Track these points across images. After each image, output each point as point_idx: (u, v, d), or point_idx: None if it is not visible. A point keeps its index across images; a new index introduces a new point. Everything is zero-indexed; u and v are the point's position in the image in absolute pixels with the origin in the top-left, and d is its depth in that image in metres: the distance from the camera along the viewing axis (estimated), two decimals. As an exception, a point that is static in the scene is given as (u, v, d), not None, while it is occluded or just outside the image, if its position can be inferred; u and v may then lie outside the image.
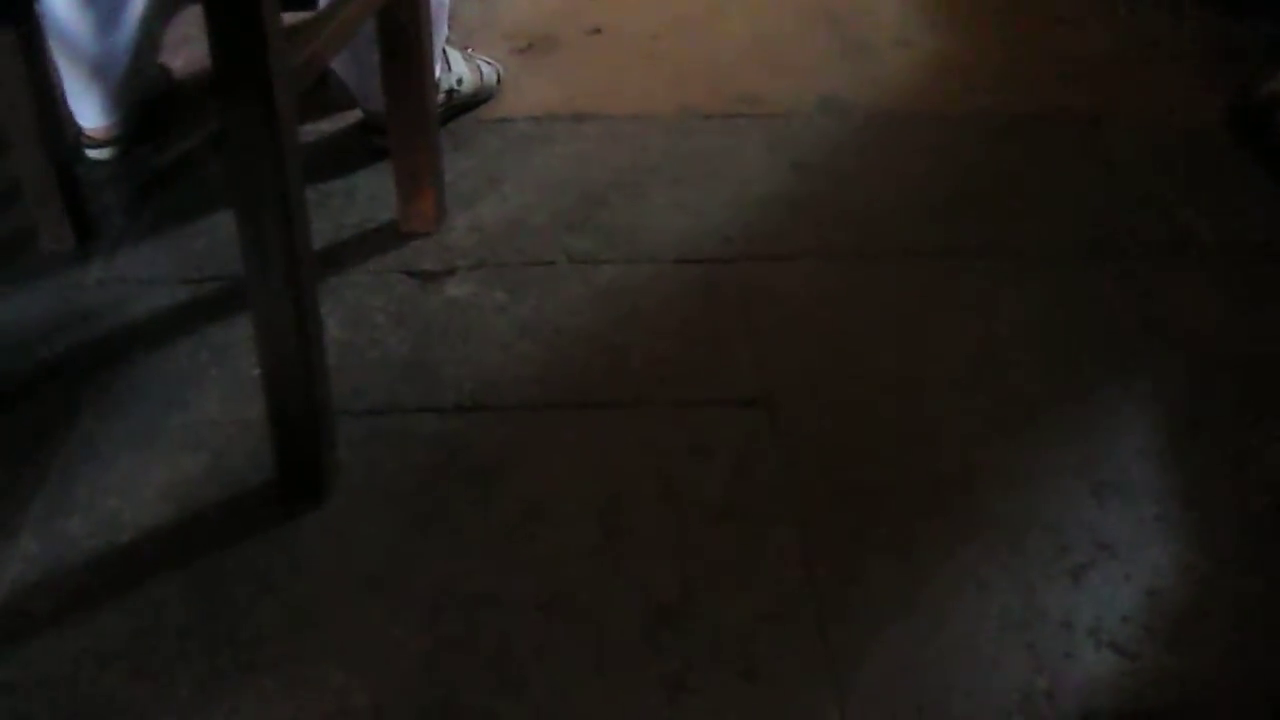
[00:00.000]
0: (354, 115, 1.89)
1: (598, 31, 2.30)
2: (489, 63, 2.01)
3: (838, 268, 1.57)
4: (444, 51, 1.86)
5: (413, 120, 1.56)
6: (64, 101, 1.75)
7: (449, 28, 1.90)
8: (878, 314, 1.49)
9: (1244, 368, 1.44)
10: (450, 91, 1.88)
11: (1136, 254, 1.64)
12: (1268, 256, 1.66)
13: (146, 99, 1.91)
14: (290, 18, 1.13)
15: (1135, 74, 2.20)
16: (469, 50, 2.01)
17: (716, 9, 2.43)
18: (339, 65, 1.75)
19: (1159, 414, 1.38)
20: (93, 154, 1.86)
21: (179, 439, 1.32)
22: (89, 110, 1.83)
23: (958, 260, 1.60)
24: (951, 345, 1.45)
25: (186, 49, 2.17)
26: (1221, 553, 1.21)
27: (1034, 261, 1.61)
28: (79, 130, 1.83)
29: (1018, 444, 1.32)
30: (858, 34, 2.31)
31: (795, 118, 1.95)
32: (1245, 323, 1.52)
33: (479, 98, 1.96)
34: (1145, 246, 1.66)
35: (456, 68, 1.90)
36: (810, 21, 2.38)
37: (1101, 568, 1.18)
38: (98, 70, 1.81)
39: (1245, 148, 1.94)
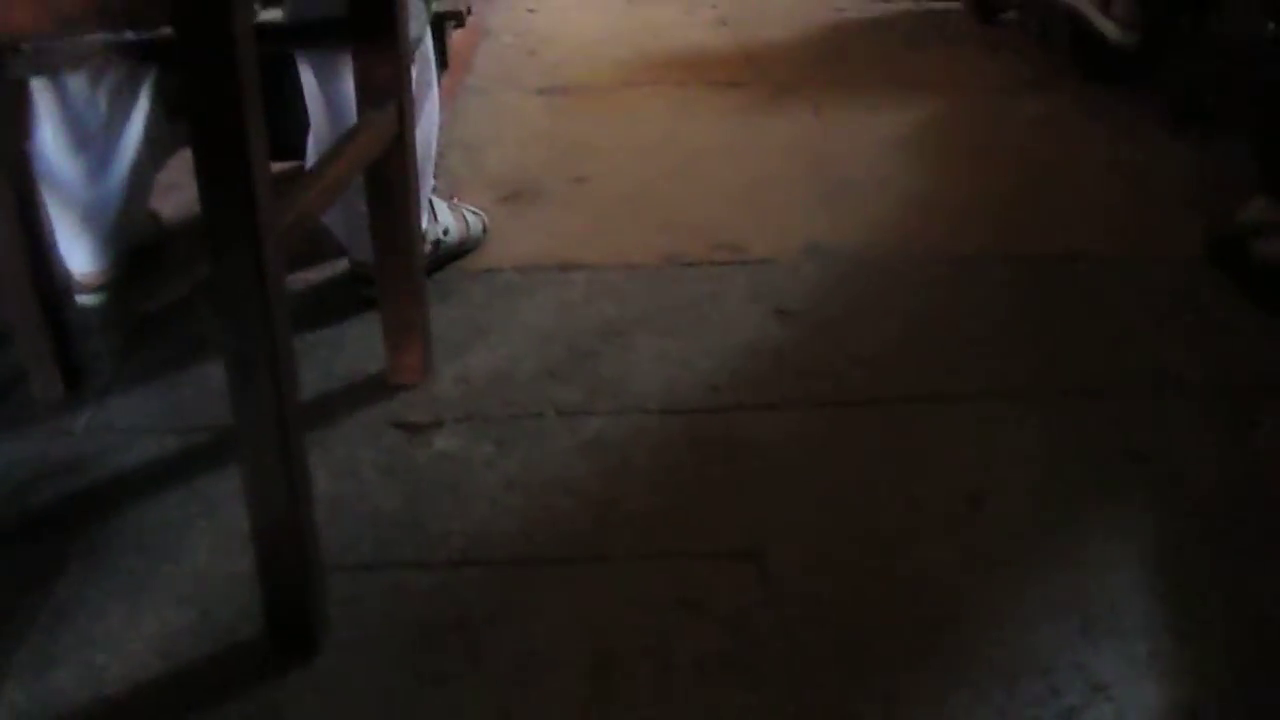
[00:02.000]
0: (342, 264, 1.92)
1: (583, 180, 2.34)
2: (475, 212, 2.04)
3: (823, 415, 1.58)
4: (430, 202, 1.88)
5: (400, 272, 1.59)
6: (55, 246, 1.76)
7: (435, 177, 1.93)
8: (863, 460, 1.50)
9: (1231, 500, 1.44)
10: (437, 242, 1.91)
11: (1121, 389, 1.66)
12: (1251, 387, 1.68)
13: (137, 245, 1.94)
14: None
15: (1114, 206, 2.27)
16: (455, 200, 2.04)
17: (701, 157, 2.48)
18: (327, 215, 1.77)
19: (1148, 548, 1.38)
20: (83, 299, 1.88)
21: (168, 591, 1.31)
22: (80, 256, 1.87)
23: (943, 404, 1.61)
24: (938, 488, 1.45)
25: (176, 194, 2.21)
26: (1217, 690, 1.20)
27: (1019, 402, 1.62)
28: (69, 275, 1.84)
29: (1007, 583, 1.32)
30: (841, 177, 2.37)
31: (779, 264, 1.99)
32: (1231, 455, 1.53)
33: (465, 247, 1.99)
34: (1130, 381, 1.68)
35: (443, 218, 1.93)
36: (794, 166, 2.44)
37: (1095, 710, 1.17)
38: (89, 217, 1.85)
39: (1226, 276, 1.96)
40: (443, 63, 2.75)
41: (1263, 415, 1.61)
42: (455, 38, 3.26)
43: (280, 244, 1.09)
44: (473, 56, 3.35)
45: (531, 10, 4.19)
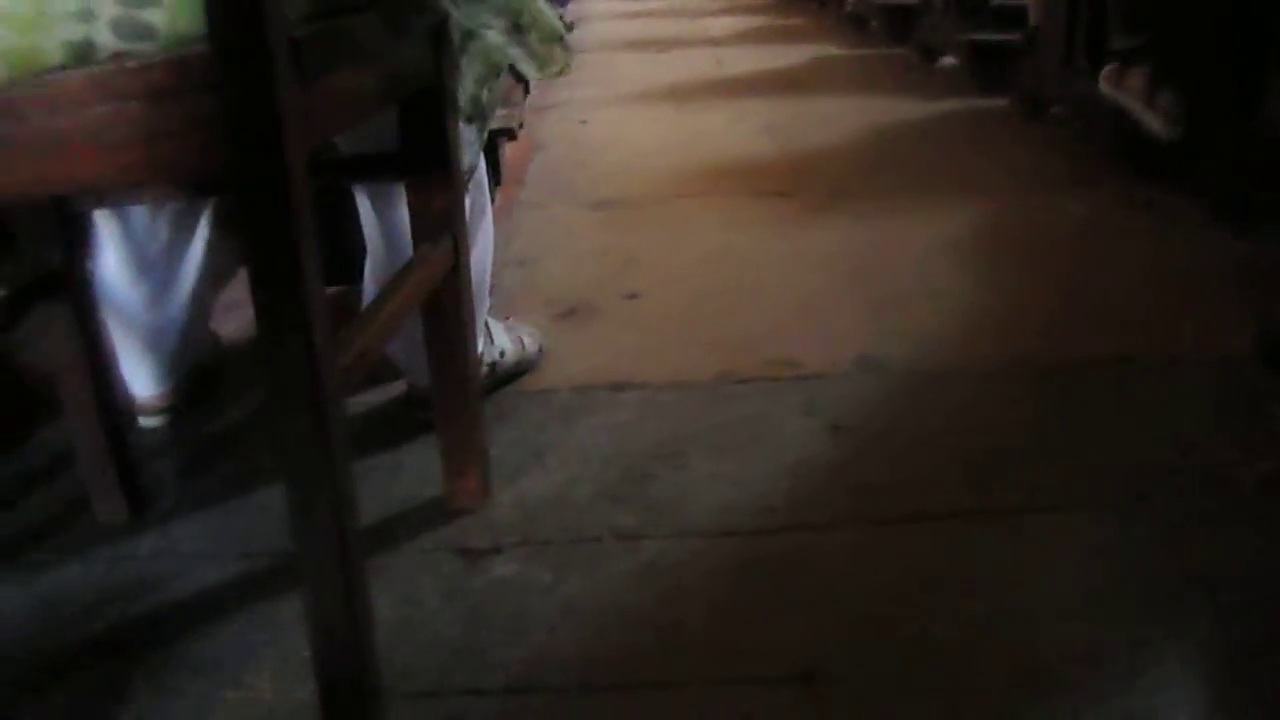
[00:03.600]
0: (400, 387, 1.95)
1: (635, 296, 2.38)
2: (531, 334, 2.07)
3: (877, 534, 1.58)
4: (486, 324, 1.92)
5: (457, 397, 1.61)
6: (118, 370, 1.80)
7: (490, 298, 1.97)
8: (918, 580, 1.49)
9: None
10: (493, 364, 1.94)
11: (1172, 498, 1.64)
12: None
13: (198, 367, 1.99)
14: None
15: (1162, 306, 2.27)
16: (510, 320, 2.07)
17: (750, 270, 2.53)
18: (367, 306, 1.81)
19: (1204, 667, 1.37)
20: (145, 422, 1.93)
21: (231, 717, 1.33)
22: (143, 379, 1.91)
23: (996, 519, 1.60)
24: (992, 606, 1.44)
25: (235, 312, 2.26)
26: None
27: (1070, 515, 1.61)
28: (132, 398, 1.89)
29: (1062, 704, 1.32)
30: (890, 289, 2.40)
31: (832, 379, 2.01)
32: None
33: (521, 369, 2.02)
34: (1180, 489, 1.66)
35: (499, 340, 1.96)
36: (843, 280, 2.48)
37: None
38: (151, 341, 1.90)
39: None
40: (496, 178, 2.80)
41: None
42: (508, 152, 3.34)
43: (340, 383, 1.12)
44: (526, 170, 3.43)
45: (583, 121, 4.30)
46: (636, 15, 8.77)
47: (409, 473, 1.76)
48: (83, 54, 1.04)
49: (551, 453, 1.80)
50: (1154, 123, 3.08)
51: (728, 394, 1.97)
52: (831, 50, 6.20)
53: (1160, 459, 1.73)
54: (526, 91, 4.71)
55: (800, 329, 2.22)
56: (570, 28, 6.56)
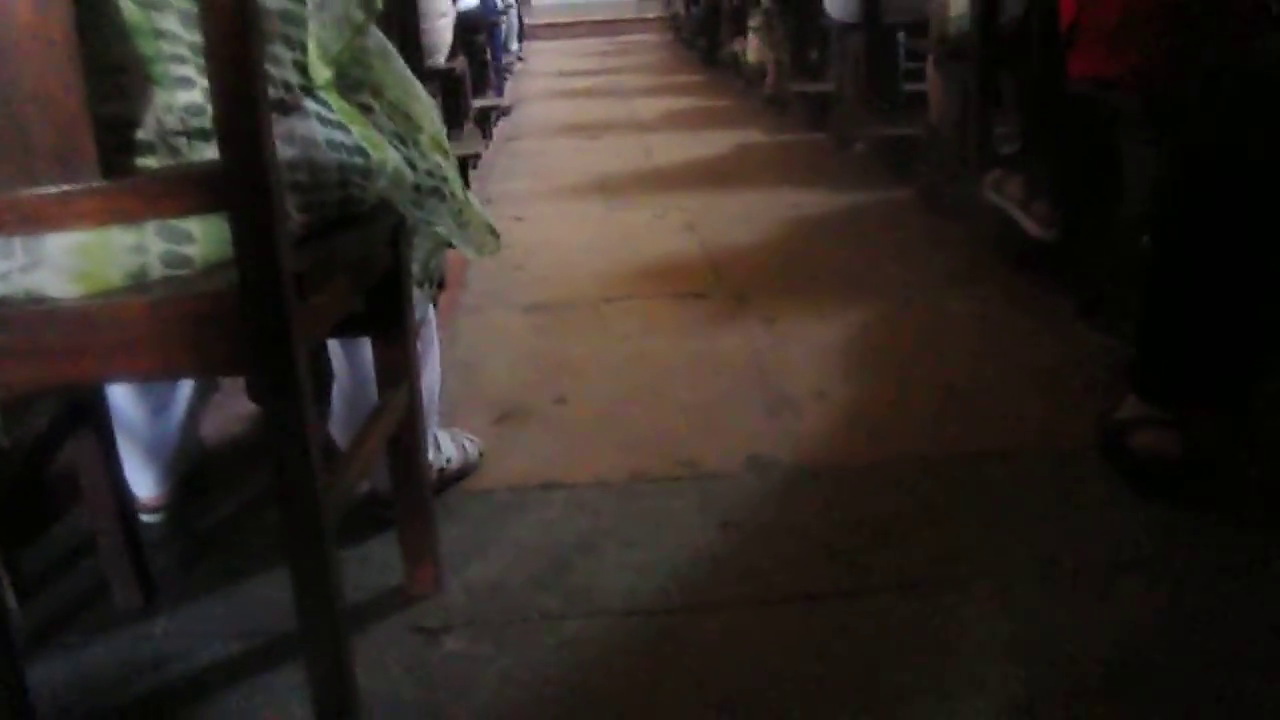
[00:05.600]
0: (363, 486, 2.26)
1: (562, 401, 2.72)
2: (471, 440, 2.41)
3: (755, 613, 1.89)
4: (434, 436, 2.27)
5: (413, 500, 1.94)
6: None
7: (438, 412, 2.31)
8: (787, 651, 1.79)
9: (1108, 674, 1.71)
10: (441, 470, 2.27)
11: (1009, 577, 1.95)
12: (1116, 568, 1.95)
13: (190, 469, 2.29)
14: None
15: (1027, 403, 2.59)
16: (454, 430, 2.42)
17: (663, 374, 2.86)
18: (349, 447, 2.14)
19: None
20: (147, 519, 2.17)
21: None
22: (144, 483, 2.17)
23: (848, 598, 1.91)
24: (834, 673, 1.75)
25: (217, 414, 2.58)
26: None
27: (920, 594, 1.91)
28: (135, 498, 2.12)
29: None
30: (782, 390, 2.72)
31: (724, 478, 2.32)
32: (1102, 629, 1.80)
33: (465, 472, 2.35)
34: (1020, 569, 1.96)
35: (445, 448, 2.30)
36: (743, 380, 2.80)
37: None
38: (152, 450, 2.16)
39: (1113, 466, 2.24)
40: (440, 282, 3.13)
41: (1118, 589, 1.90)
42: (450, 254, 3.67)
43: (332, 508, 1.48)
44: (466, 272, 3.72)
45: (518, 219, 4.57)
46: (572, 95, 9.01)
47: (374, 563, 2.06)
48: (138, 278, 1.40)
49: (492, 545, 2.11)
50: (1031, 226, 3.42)
51: (638, 492, 2.28)
52: (754, 136, 6.51)
53: (998, 544, 2.05)
54: (467, 185, 5.05)
55: (702, 431, 2.53)
56: (507, 111, 6.90)
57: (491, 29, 7.26)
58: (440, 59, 4.59)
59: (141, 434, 2.17)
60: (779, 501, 2.24)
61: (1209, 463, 2.23)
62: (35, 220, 1.34)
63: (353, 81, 1.61)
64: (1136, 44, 2.68)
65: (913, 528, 2.12)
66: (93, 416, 1.86)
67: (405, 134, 1.70)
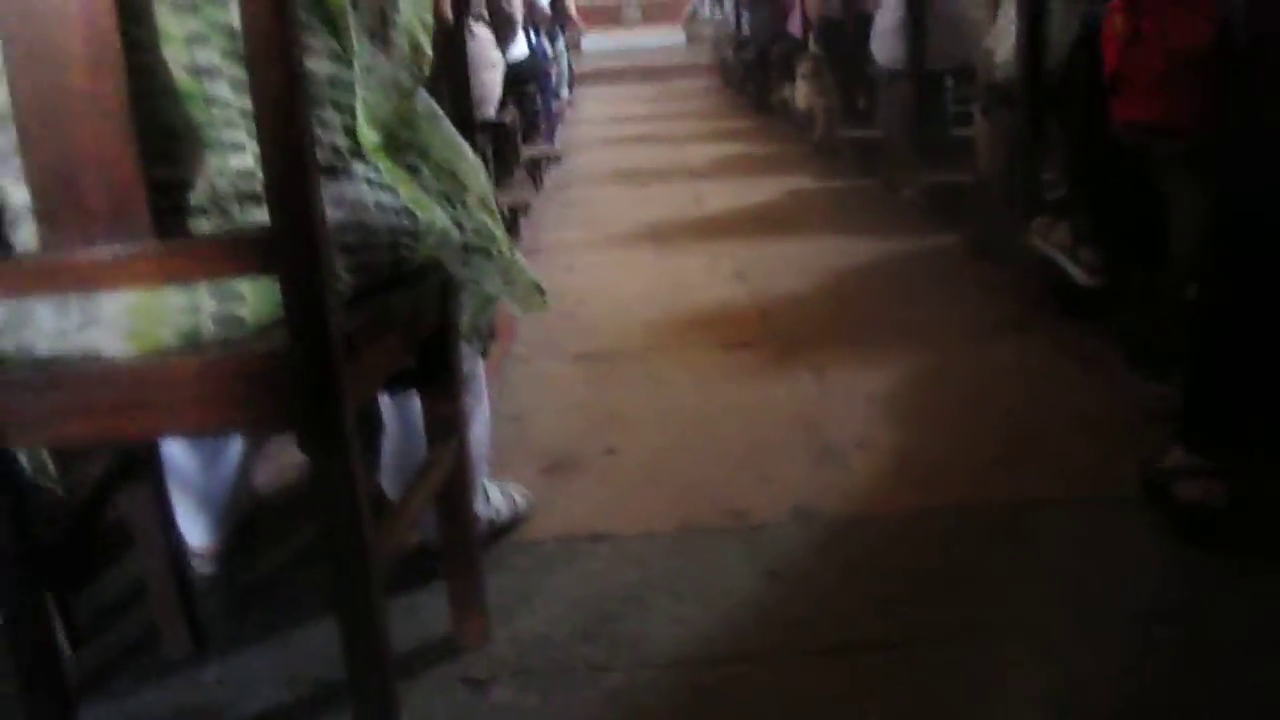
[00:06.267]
0: (413, 538, 2.28)
1: (612, 452, 2.74)
2: (522, 493, 2.44)
3: (801, 664, 1.91)
4: (484, 488, 2.29)
5: (462, 553, 1.96)
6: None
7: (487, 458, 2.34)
8: (831, 700, 1.82)
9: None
10: (491, 521, 2.30)
11: (1052, 627, 1.95)
12: (1160, 618, 1.96)
13: (241, 518, 2.32)
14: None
15: (1074, 452, 2.59)
16: (505, 481, 2.44)
17: (712, 423, 2.88)
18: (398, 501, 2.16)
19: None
20: (199, 567, 2.21)
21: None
22: (196, 532, 2.21)
23: (894, 649, 1.92)
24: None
25: (267, 463, 2.62)
26: None
27: (962, 645, 1.92)
28: (187, 547, 2.17)
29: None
30: (828, 439, 2.73)
31: (771, 528, 2.33)
32: (1143, 681, 1.81)
33: (515, 523, 2.38)
34: (1061, 619, 1.97)
35: (495, 500, 2.33)
36: (790, 430, 2.81)
37: None
38: (204, 500, 2.20)
39: (1159, 514, 2.23)
40: (492, 333, 3.16)
41: (1160, 640, 1.90)
42: (501, 305, 3.69)
43: (380, 562, 1.51)
44: (517, 322, 3.70)
45: (569, 268, 4.62)
46: (622, 141, 9.07)
47: (422, 613, 2.08)
48: (191, 338, 1.43)
49: (539, 597, 2.13)
50: (1078, 273, 3.42)
51: (685, 543, 2.30)
52: (804, 182, 6.51)
53: (1044, 593, 2.06)
54: (518, 235, 5.10)
55: (750, 481, 2.55)
56: (558, 159, 6.97)
57: (542, 78, 7.32)
58: (490, 110, 4.64)
59: (194, 484, 2.21)
60: (825, 551, 2.26)
61: (1255, 512, 2.22)
62: (90, 280, 1.38)
63: (400, 144, 1.65)
64: (1180, 90, 2.68)
65: (956, 577, 2.13)
66: (146, 467, 1.91)
67: (452, 194, 1.73)
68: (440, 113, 1.81)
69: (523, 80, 6.10)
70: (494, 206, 1.85)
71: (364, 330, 1.47)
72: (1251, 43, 2.43)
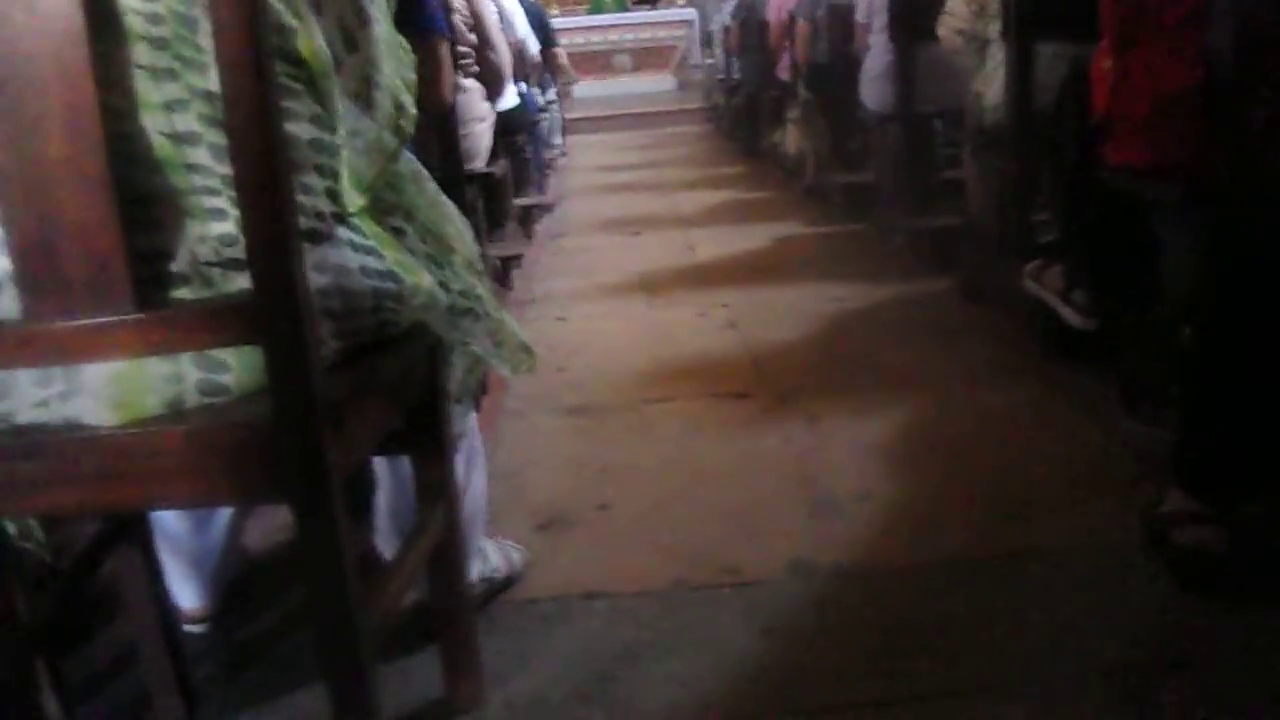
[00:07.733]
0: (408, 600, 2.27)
1: (605, 508, 2.71)
2: (517, 550, 2.42)
3: None
4: (481, 547, 2.27)
5: (454, 616, 1.94)
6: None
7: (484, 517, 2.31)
8: None
9: None
10: (488, 580, 2.28)
11: (1053, 680, 1.94)
12: (1161, 668, 1.94)
13: (232, 580, 2.31)
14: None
15: (1071, 499, 2.58)
16: (500, 540, 2.42)
17: (705, 477, 2.85)
18: (389, 565, 2.14)
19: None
20: (189, 629, 2.19)
21: None
22: (187, 594, 2.20)
23: (891, 708, 1.90)
24: None
25: (259, 523, 2.59)
26: None
27: (961, 701, 1.90)
28: (178, 609, 2.16)
29: None
30: (825, 491, 2.71)
31: (767, 584, 2.31)
32: None
33: (511, 581, 2.35)
34: (1060, 672, 1.95)
35: (492, 559, 2.30)
36: (785, 481, 2.80)
37: None
38: (194, 563, 2.19)
39: (1160, 560, 2.22)
40: (484, 387, 3.15)
41: (1162, 691, 1.88)
42: (491, 362, 3.69)
43: (370, 627, 1.48)
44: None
45: (561, 319, 4.61)
46: (614, 189, 9.05)
47: (416, 676, 2.05)
48: (174, 406, 1.42)
49: (534, 657, 2.11)
50: (1071, 316, 3.41)
51: (680, 601, 2.27)
52: (795, 228, 6.51)
53: (1041, 645, 2.04)
54: (511, 286, 5.10)
55: (745, 535, 2.52)
56: (550, 208, 6.97)
57: (532, 127, 7.33)
58: (480, 163, 4.63)
59: (184, 546, 2.20)
60: (821, 607, 2.23)
61: (1255, 557, 2.21)
62: (71, 350, 1.36)
63: (385, 206, 1.64)
64: (1170, 132, 2.67)
65: (955, 631, 2.11)
66: (135, 531, 1.87)
67: (438, 256, 1.72)
68: (425, 173, 1.80)
69: (512, 130, 6.10)
70: (481, 269, 1.84)
71: (350, 397, 1.45)
72: (1238, 82, 2.42)
